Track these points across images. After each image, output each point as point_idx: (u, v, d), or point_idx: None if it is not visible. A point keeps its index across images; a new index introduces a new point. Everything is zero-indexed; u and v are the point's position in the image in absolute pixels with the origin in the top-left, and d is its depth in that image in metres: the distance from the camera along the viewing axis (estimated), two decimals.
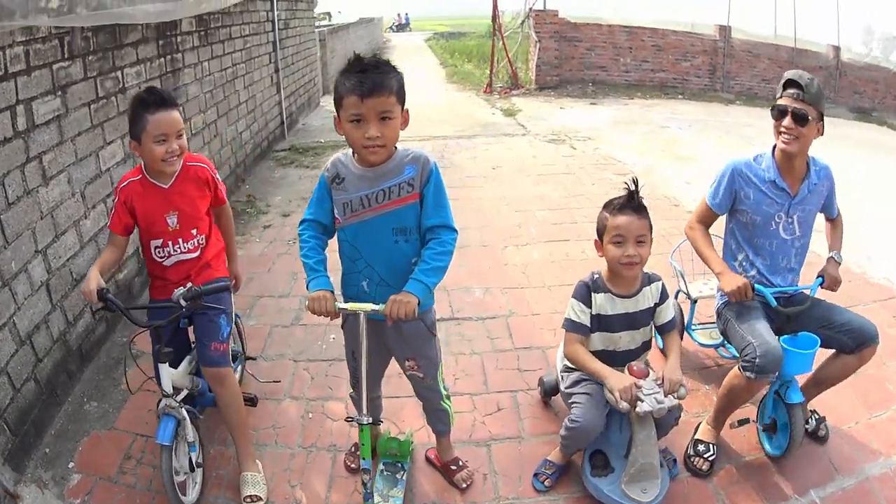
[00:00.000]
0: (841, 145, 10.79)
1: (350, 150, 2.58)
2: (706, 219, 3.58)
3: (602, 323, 3.07)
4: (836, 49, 17.37)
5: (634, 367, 2.94)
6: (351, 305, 2.51)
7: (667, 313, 3.14)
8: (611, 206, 3.00)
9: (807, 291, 3.40)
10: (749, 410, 3.59)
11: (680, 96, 15.83)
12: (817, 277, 3.44)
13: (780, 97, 3.26)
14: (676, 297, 4.30)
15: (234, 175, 7.88)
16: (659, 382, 2.87)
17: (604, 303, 3.05)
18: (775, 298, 3.33)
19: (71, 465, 3.31)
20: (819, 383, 3.48)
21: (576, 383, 3.13)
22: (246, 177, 8.29)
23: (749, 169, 3.40)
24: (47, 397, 3.59)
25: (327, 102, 14.12)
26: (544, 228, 6.59)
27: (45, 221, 3.71)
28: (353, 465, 3.25)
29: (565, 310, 3.14)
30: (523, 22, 16.54)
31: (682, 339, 4.17)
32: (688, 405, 3.81)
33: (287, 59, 10.85)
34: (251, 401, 3.51)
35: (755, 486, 3.31)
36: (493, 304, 5.03)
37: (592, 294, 3.06)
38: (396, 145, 2.54)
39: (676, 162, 9.31)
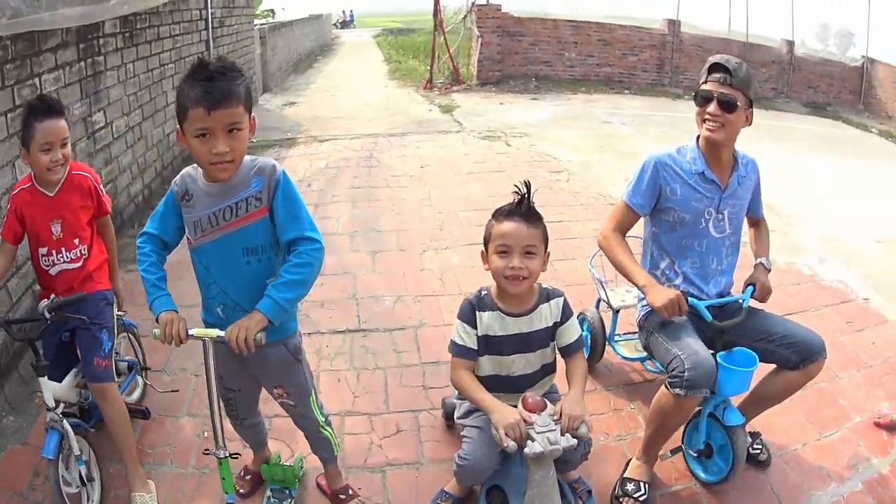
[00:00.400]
0: (798, 141, 10.99)
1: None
2: (624, 223, 3.18)
3: (490, 345, 2.68)
4: (790, 44, 17.56)
5: (529, 400, 2.50)
6: (197, 331, 2.32)
7: (569, 334, 2.74)
8: (498, 213, 2.64)
9: (740, 301, 3.04)
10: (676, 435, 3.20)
11: (626, 91, 15.57)
12: (747, 286, 3.09)
13: (705, 82, 2.97)
14: (598, 307, 3.95)
15: (160, 178, 7.57)
16: (556, 418, 2.44)
17: (491, 322, 2.67)
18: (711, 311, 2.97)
19: None
20: (759, 402, 3.13)
21: (468, 413, 2.78)
22: (172, 179, 7.74)
23: (673, 162, 3.06)
24: None
25: (266, 101, 13.90)
26: (467, 231, 6.17)
27: None
28: (241, 490, 3.03)
29: None
30: (466, 17, 16.13)
31: (600, 355, 3.88)
32: (610, 427, 3.52)
33: (222, 58, 10.34)
34: (143, 413, 3.43)
35: None
36: (404, 313, 4.68)
37: (478, 313, 2.67)
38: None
39: (615, 158, 9.01)
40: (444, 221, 6.42)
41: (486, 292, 2.71)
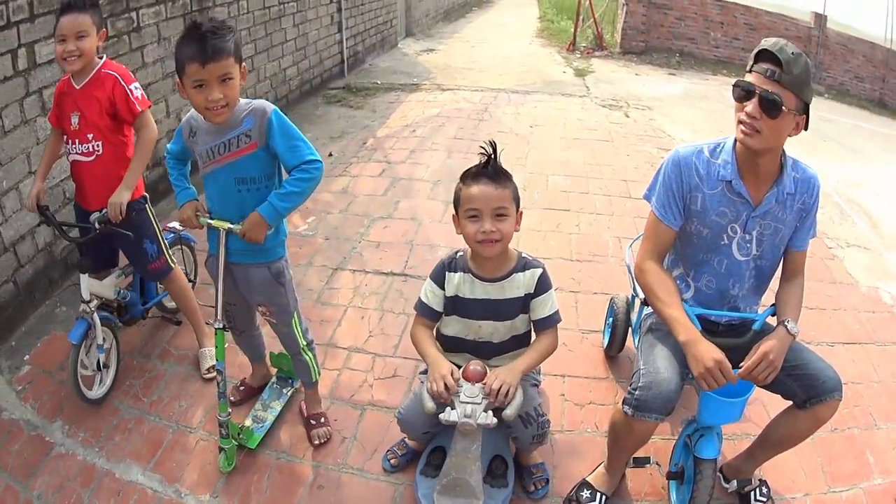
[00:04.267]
0: None
1: None
2: (660, 244, 2.67)
3: (458, 306, 2.66)
4: None
5: (470, 367, 2.47)
6: (215, 222, 2.69)
7: (543, 308, 2.62)
8: (465, 176, 2.51)
9: (751, 322, 2.64)
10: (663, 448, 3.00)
11: None
12: (771, 306, 2.65)
13: (749, 71, 2.38)
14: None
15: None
16: (487, 392, 2.38)
17: (461, 283, 2.63)
18: (710, 324, 2.64)
19: (26, 357, 3.67)
20: (765, 444, 2.72)
21: (425, 371, 2.75)
22: (286, 111, 8.00)
23: (700, 161, 2.54)
24: (24, 299, 3.98)
25: (405, 46, 13.82)
26: (550, 195, 6.03)
27: (40, 146, 3.99)
28: (232, 398, 3.26)
29: None
30: None
31: (621, 345, 3.65)
32: (603, 420, 3.24)
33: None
34: (176, 322, 3.88)
35: None
36: None
37: (448, 273, 2.64)
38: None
39: None
40: (529, 182, 6.26)
41: (461, 254, 2.66)
